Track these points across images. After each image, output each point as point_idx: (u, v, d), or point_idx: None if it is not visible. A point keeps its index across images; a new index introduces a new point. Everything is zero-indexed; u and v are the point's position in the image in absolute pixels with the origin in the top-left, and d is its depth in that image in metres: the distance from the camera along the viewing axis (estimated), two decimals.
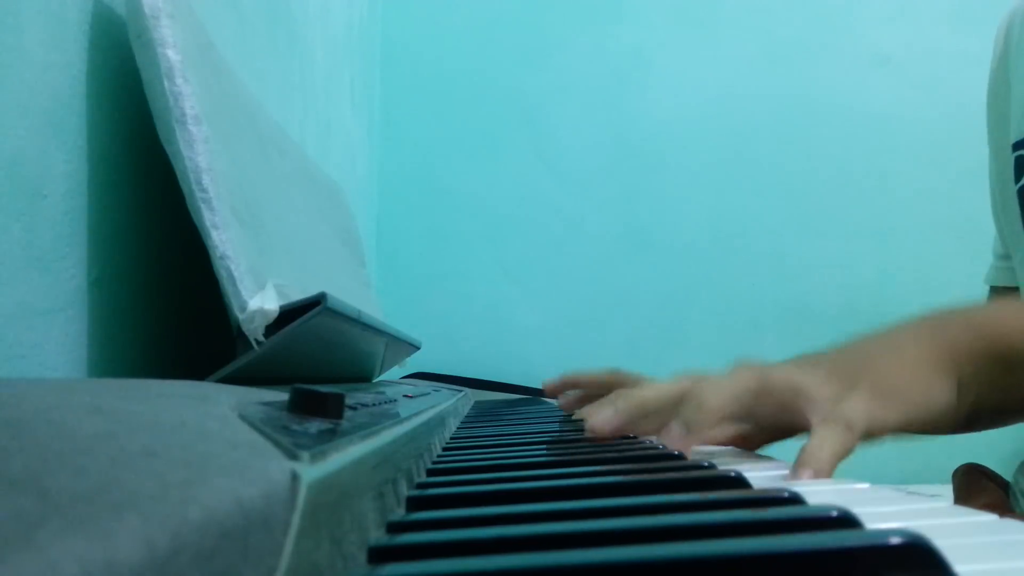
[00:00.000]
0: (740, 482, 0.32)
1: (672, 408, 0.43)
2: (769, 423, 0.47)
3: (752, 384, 0.42)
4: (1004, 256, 0.82)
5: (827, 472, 0.38)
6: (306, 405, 0.30)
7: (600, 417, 0.46)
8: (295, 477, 0.19)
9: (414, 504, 0.31)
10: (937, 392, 0.46)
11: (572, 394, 0.77)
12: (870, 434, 0.42)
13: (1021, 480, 0.74)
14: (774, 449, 0.51)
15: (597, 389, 0.75)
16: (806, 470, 0.37)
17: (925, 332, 0.49)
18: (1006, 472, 0.77)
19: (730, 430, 0.51)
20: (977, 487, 0.77)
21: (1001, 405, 0.56)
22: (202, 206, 0.48)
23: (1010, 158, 0.76)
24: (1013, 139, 0.76)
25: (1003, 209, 0.81)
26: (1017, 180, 0.74)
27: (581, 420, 0.76)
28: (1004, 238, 0.82)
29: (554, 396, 0.79)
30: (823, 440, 0.39)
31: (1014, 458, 0.74)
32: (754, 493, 0.30)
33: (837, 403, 0.42)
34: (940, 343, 0.48)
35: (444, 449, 0.52)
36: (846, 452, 0.40)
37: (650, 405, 0.46)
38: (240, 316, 0.48)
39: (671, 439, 0.41)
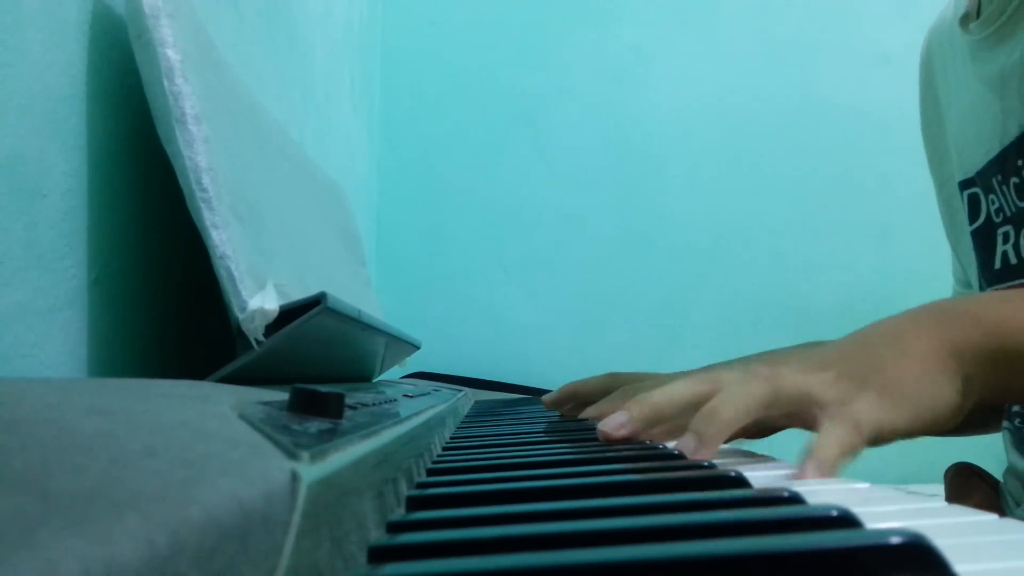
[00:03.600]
0: (740, 482, 0.32)
1: (686, 413, 0.43)
2: (775, 424, 0.47)
3: (766, 395, 0.42)
4: (966, 283, 0.81)
5: (832, 468, 0.38)
6: (306, 405, 0.30)
7: (613, 423, 0.45)
8: (295, 477, 0.19)
9: (414, 504, 0.31)
10: (945, 393, 0.46)
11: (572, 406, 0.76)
12: (878, 437, 0.42)
13: (1010, 480, 0.74)
14: (774, 449, 0.51)
15: (598, 398, 0.75)
16: (811, 464, 0.37)
17: (931, 326, 0.48)
18: (998, 471, 0.77)
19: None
20: (968, 487, 0.77)
21: (1000, 403, 0.56)
22: (202, 206, 0.48)
23: (959, 197, 0.75)
24: (959, 177, 0.75)
25: (957, 244, 0.80)
26: (972, 221, 0.73)
27: (581, 419, 0.76)
28: (963, 267, 0.81)
29: (555, 408, 0.79)
30: (830, 437, 0.39)
31: (1004, 458, 0.74)
32: (754, 493, 0.30)
33: (846, 404, 0.42)
34: (946, 340, 0.47)
35: (444, 449, 0.52)
36: (852, 451, 0.40)
37: (664, 411, 0.46)
38: (240, 316, 0.48)
39: (685, 450, 0.41)
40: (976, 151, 0.70)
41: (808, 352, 0.49)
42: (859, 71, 1.91)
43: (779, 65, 1.93)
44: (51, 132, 0.46)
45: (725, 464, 0.38)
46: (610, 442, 0.45)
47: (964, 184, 0.73)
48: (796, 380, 0.43)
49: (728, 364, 0.77)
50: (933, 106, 0.81)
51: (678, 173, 1.92)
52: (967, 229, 0.74)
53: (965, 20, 0.72)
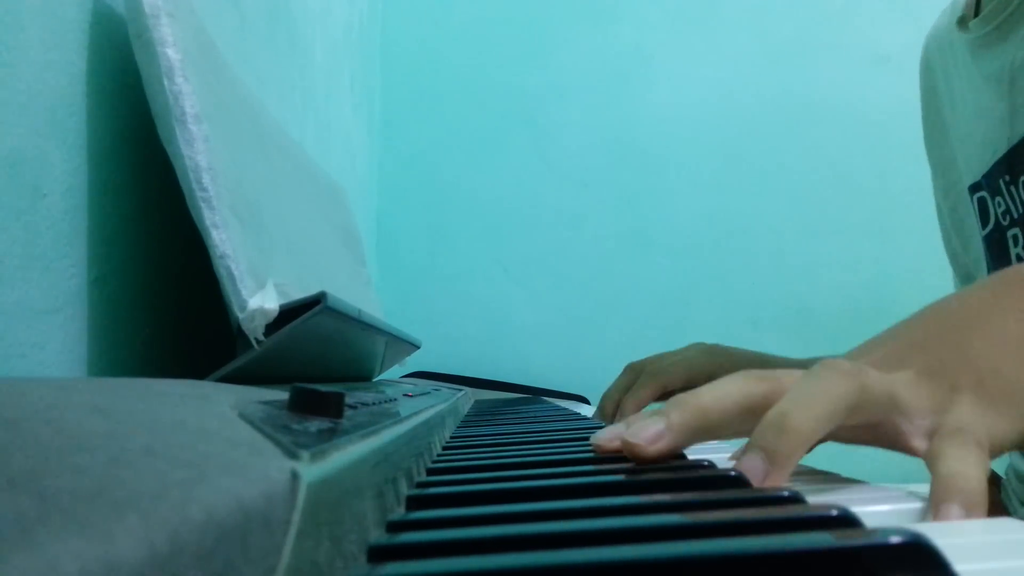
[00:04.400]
0: (739, 481, 0.32)
1: (742, 418, 0.34)
2: (843, 438, 0.37)
3: (852, 395, 0.32)
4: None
5: (982, 501, 0.30)
6: (306, 404, 0.30)
7: (647, 434, 0.34)
8: (295, 476, 0.19)
9: (414, 503, 0.31)
10: None
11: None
12: (994, 448, 0.34)
13: (1014, 479, 0.74)
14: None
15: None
16: (953, 506, 0.29)
17: (1017, 295, 0.39)
18: (1000, 467, 0.77)
19: None
20: None
21: None
22: (202, 205, 0.48)
23: (967, 201, 0.73)
24: (968, 182, 0.73)
25: (966, 251, 0.78)
26: (983, 226, 0.71)
27: (581, 419, 0.76)
28: (967, 277, 0.80)
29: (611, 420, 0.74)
30: (961, 462, 0.31)
31: (1006, 454, 0.74)
32: (753, 492, 0.30)
33: (942, 415, 0.34)
34: None
35: (444, 448, 0.52)
36: (988, 474, 0.32)
37: (713, 417, 0.35)
38: (240, 315, 0.48)
39: (751, 473, 0.31)
40: (983, 153, 0.69)
41: (872, 345, 0.39)
42: (859, 71, 1.91)
43: (779, 64, 1.93)
44: (51, 131, 0.46)
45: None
46: (643, 459, 0.34)
47: (972, 188, 0.72)
48: (883, 379, 0.34)
49: (785, 362, 0.75)
50: (935, 114, 0.80)
51: (678, 173, 1.92)
52: (978, 235, 0.73)
53: (963, 21, 0.71)
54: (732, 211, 1.90)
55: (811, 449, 0.36)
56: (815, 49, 1.93)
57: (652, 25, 1.96)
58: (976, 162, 0.71)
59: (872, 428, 0.34)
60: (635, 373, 0.77)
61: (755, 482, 0.30)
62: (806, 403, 0.32)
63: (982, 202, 0.71)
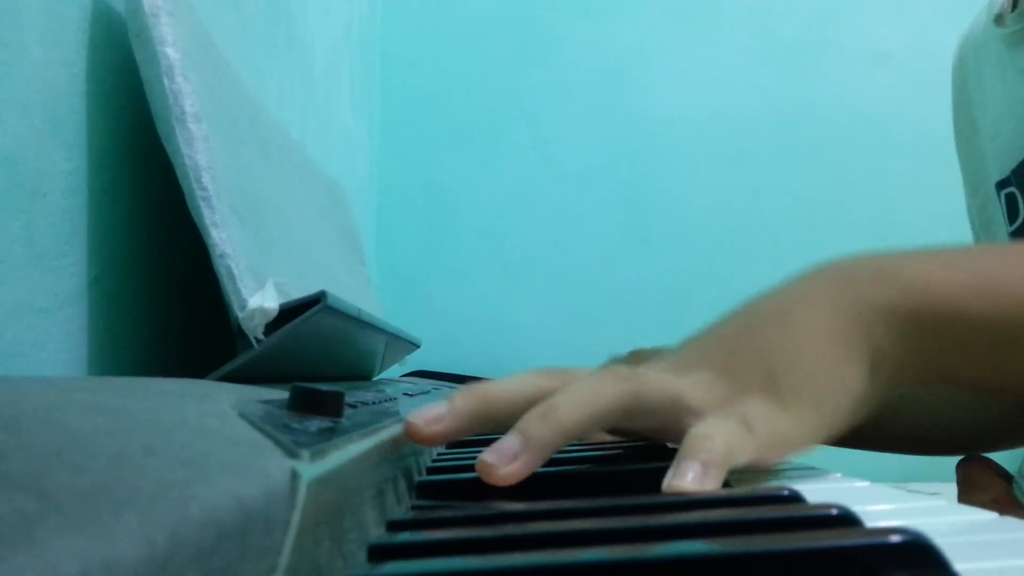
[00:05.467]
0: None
1: (525, 410, 0.33)
2: (645, 435, 0.39)
3: (621, 399, 0.33)
4: None
5: (719, 466, 0.30)
6: (306, 403, 0.30)
7: (427, 415, 0.33)
8: (295, 475, 0.19)
9: (415, 501, 0.31)
10: (849, 378, 0.36)
11: None
12: (781, 446, 0.34)
13: None
14: None
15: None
16: (690, 465, 0.29)
17: (828, 291, 0.38)
18: (1011, 464, 0.77)
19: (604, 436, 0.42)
20: (981, 481, 0.76)
21: (937, 386, 0.45)
22: (202, 204, 0.48)
23: (995, 197, 0.73)
24: (996, 178, 0.73)
25: None
26: (1011, 222, 0.71)
27: None
28: None
29: None
30: (711, 427, 0.32)
31: (1019, 450, 0.74)
32: (753, 491, 0.30)
33: (727, 409, 0.34)
34: (847, 305, 0.37)
35: (444, 447, 0.52)
36: (743, 452, 0.31)
37: (497, 406, 0.34)
38: (240, 314, 0.48)
39: (503, 452, 0.31)
40: (1013, 148, 0.69)
41: (681, 346, 0.39)
42: (859, 70, 1.91)
43: (779, 64, 1.93)
44: (51, 130, 0.46)
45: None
46: (419, 440, 0.33)
47: (1000, 184, 0.72)
48: (663, 381, 0.34)
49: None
50: (966, 111, 0.81)
51: (678, 172, 1.92)
52: (1005, 231, 0.72)
53: (1000, 18, 0.72)
54: (732, 210, 1.90)
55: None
56: (815, 48, 1.93)
57: (652, 24, 1.96)
58: (1006, 158, 0.71)
59: (665, 427, 0.34)
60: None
61: (503, 461, 0.31)
62: (575, 400, 0.33)
63: (1011, 198, 0.71)
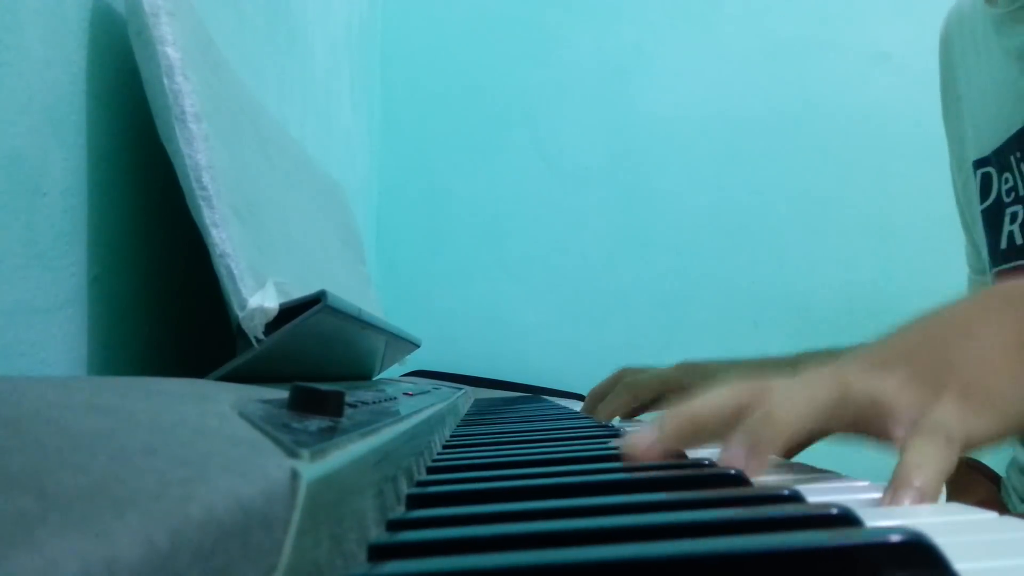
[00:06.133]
0: (740, 480, 0.32)
1: (731, 422, 0.36)
2: (834, 435, 0.40)
3: (833, 396, 0.36)
4: (980, 271, 0.80)
5: (934, 492, 0.32)
6: (306, 403, 0.30)
7: (642, 442, 0.37)
8: (295, 475, 0.19)
9: (414, 502, 0.31)
10: None
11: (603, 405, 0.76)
12: (967, 446, 0.36)
13: (1013, 476, 0.74)
14: None
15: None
16: (908, 491, 0.31)
17: (1005, 313, 0.42)
18: (998, 466, 0.77)
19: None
20: (970, 482, 0.77)
21: None
22: (202, 204, 0.48)
23: (973, 176, 0.74)
24: (973, 157, 0.74)
25: (972, 227, 0.79)
26: (983, 200, 0.72)
27: (581, 417, 0.77)
28: (977, 253, 0.80)
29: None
30: (924, 455, 0.33)
31: (1008, 452, 0.74)
32: (753, 491, 0.30)
33: (925, 412, 0.36)
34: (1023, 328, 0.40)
35: (444, 447, 0.52)
36: (950, 468, 0.34)
37: (705, 423, 0.38)
38: (240, 314, 0.48)
39: (731, 457, 0.34)
40: (996, 128, 0.69)
41: (863, 351, 0.41)
42: (859, 68, 1.91)
43: (779, 62, 1.93)
44: (51, 130, 0.46)
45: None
46: (640, 458, 0.37)
47: (978, 163, 0.73)
48: (866, 382, 0.37)
49: (761, 363, 0.76)
50: (952, 89, 0.81)
51: (678, 172, 1.92)
52: (978, 209, 0.73)
53: None
54: (731, 209, 1.90)
55: (801, 449, 0.40)
56: (815, 46, 1.93)
57: (652, 23, 1.96)
58: (987, 137, 0.71)
59: (859, 424, 0.36)
60: (617, 380, 0.79)
61: (736, 465, 0.33)
62: (790, 402, 0.35)
63: (985, 177, 0.71)
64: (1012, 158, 0.67)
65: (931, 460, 0.33)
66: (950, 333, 0.41)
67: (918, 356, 0.39)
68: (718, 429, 0.36)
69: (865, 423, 0.36)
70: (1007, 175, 0.68)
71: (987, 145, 0.71)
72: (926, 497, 0.31)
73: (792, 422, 0.34)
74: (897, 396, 0.36)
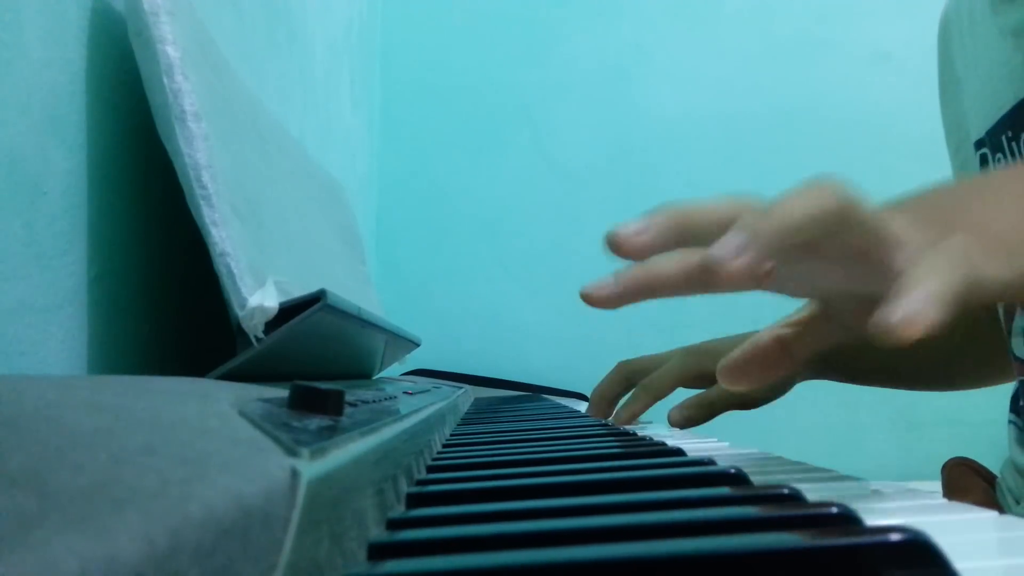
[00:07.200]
0: (739, 479, 0.32)
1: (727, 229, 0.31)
2: (834, 281, 0.36)
3: (838, 208, 0.31)
4: None
5: (940, 300, 0.28)
6: (306, 402, 0.30)
7: (728, 248, 0.29)
8: (295, 474, 0.19)
9: (414, 501, 0.31)
10: None
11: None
12: (975, 287, 0.32)
13: (1009, 476, 0.74)
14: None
15: (617, 390, 0.77)
16: (916, 292, 0.28)
17: (1020, 169, 0.41)
18: (994, 467, 0.77)
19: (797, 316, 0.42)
20: (966, 482, 0.77)
21: None
22: (202, 203, 0.48)
23: (973, 157, 0.73)
24: (974, 137, 0.73)
25: None
26: None
27: (581, 417, 0.77)
28: None
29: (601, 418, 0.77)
30: (933, 267, 0.30)
31: (1004, 453, 0.74)
32: (753, 490, 0.30)
33: (934, 244, 0.33)
34: None
35: (444, 446, 0.52)
36: (959, 290, 0.29)
37: (698, 220, 0.33)
38: (240, 313, 0.48)
39: (723, 245, 0.29)
40: (991, 108, 0.69)
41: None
42: (860, 68, 1.91)
43: (779, 62, 1.93)
44: (51, 129, 0.46)
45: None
46: (621, 253, 0.34)
47: (979, 144, 0.72)
48: (874, 210, 0.33)
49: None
50: (949, 71, 0.81)
51: (678, 171, 1.92)
52: None
53: None
54: None
55: (798, 294, 0.38)
56: (816, 46, 1.93)
57: (652, 22, 1.96)
58: (983, 118, 0.71)
59: (859, 259, 0.33)
60: (623, 375, 0.78)
61: (729, 254, 0.29)
62: (795, 200, 0.31)
63: (983, 159, 0.71)
64: (1003, 138, 0.66)
65: (941, 271, 0.29)
66: (961, 190, 0.40)
67: (931, 204, 0.37)
68: (712, 231, 0.31)
69: (865, 251, 0.32)
70: (999, 155, 0.67)
71: (984, 125, 0.71)
72: (934, 302, 0.28)
73: (791, 223, 0.30)
74: (906, 229, 0.33)
